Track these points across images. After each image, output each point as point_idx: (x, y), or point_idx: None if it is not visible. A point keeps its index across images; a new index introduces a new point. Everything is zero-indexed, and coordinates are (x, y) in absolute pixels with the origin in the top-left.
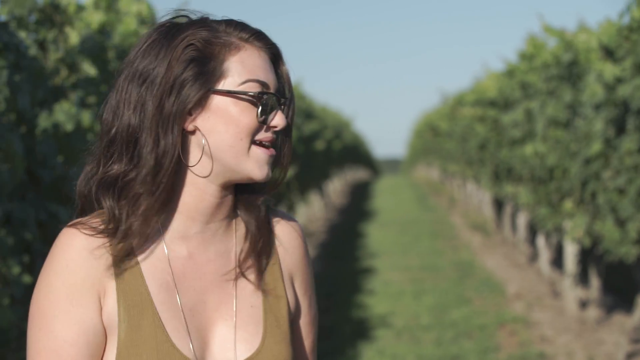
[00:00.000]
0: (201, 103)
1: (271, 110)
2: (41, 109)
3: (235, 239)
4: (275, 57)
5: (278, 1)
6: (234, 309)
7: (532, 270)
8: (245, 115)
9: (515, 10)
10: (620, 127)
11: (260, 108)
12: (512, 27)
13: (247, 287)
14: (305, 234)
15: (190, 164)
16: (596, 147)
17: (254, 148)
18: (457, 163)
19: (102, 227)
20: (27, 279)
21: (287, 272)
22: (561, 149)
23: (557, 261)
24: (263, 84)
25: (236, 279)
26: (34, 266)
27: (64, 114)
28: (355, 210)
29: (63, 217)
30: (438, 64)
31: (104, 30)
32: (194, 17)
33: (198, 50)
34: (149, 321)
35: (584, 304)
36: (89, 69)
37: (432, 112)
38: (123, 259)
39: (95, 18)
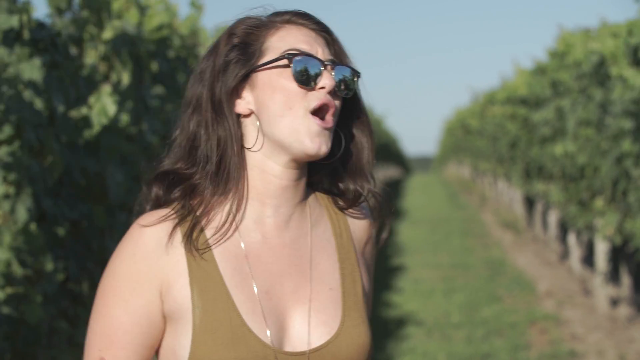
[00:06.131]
0: (249, 84)
1: (314, 73)
2: (74, 107)
3: (310, 223)
4: (325, 34)
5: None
6: (309, 293)
7: (563, 268)
8: (287, 81)
9: (547, 9)
10: None
11: (294, 67)
12: (543, 26)
13: (324, 271)
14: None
15: (248, 147)
16: (626, 145)
17: (309, 117)
18: (488, 161)
19: (172, 216)
20: (60, 276)
21: (360, 255)
22: (591, 147)
23: (588, 259)
24: (303, 52)
25: (312, 262)
26: (68, 264)
27: (101, 106)
28: None
29: (97, 217)
30: (470, 62)
31: (137, 27)
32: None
33: (239, 37)
34: (223, 305)
35: (614, 302)
36: (124, 76)
37: (463, 110)
38: (194, 245)
39: (133, 15)
